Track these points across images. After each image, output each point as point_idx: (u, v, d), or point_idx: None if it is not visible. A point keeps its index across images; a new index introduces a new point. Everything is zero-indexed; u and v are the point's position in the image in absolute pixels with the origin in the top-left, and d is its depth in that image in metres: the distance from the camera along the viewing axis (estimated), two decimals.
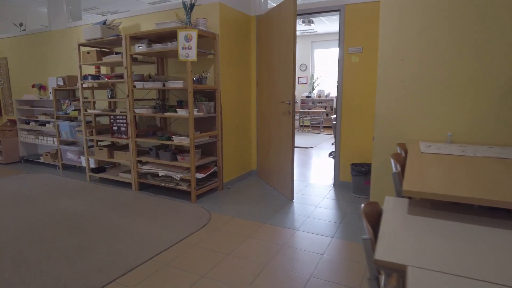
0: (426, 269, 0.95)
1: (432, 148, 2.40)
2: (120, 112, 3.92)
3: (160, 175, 3.66)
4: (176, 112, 3.51)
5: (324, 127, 9.78)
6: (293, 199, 3.53)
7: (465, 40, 2.59)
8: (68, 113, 4.71)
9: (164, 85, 3.53)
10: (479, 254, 1.02)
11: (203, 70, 3.84)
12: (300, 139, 7.77)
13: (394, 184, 1.72)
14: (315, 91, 10.39)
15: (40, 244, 2.53)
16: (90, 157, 4.32)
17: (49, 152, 5.11)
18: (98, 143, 4.49)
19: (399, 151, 2.27)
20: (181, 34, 3.18)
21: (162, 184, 3.64)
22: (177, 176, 3.50)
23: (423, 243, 1.11)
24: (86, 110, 4.27)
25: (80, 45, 4.12)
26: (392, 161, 1.81)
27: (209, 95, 3.78)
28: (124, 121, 3.89)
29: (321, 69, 10.43)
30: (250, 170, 4.52)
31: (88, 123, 4.53)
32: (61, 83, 4.74)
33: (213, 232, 2.73)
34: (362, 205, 1.37)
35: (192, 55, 3.20)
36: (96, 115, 4.49)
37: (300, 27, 8.73)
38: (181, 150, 3.89)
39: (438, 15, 2.64)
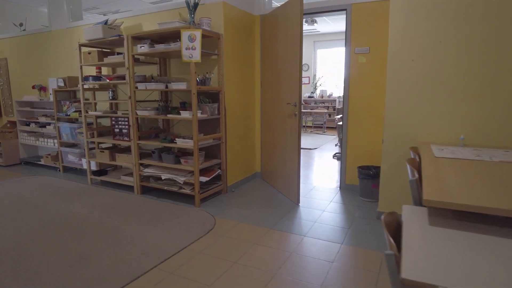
0: None
1: (445, 152, 2.32)
2: (122, 113, 3.85)
3: (163, 178, 3.58)
4: (179, 114, 3.44)
5: (327, 127, 9.69)
6: (299, 203, 3.45)
7: (478, 40, 2.51)
8: (69, 115, 4.64)
9: (167, 87, 3.45)
10: (510, 271, 0.94)
11: (206, 71, 3.76)
12: (303, 140, 7.69)
13: (411, 192, 1.64)
14: (317, 91, 10.31)
15: (41, 251, 2.45)
16: (91, 160, 4.24)
17: (49, 154, 5.03)
18: (100, 145, 4.42)
19: (412, 156, 2.19)
20: (184, 34, 3.10)
21: (165, 188, 3.56)
22: (181, 179, 3.42)
23: (451, 259, 1.04)
24: (87, 112, 4.19)
25: (81, 45, 4.05)
26: (408, 167, 1.73)
27: (213, 97, 3.70)
28: (126, 123, 3.81)
29: (323, 69, 10.35)
30: (254, 172, 4.44)
31: (89, 125, 4.45)
32: (62, 84, 4.66)
33: (219, 238, 2.66)
34: (383, 216, 1.29)
35: (196, 55, 3.13)
36: (97, 117, 4.41)
37: (303, 26, 8.64)
38: (184, 153, 3.82)
39: (450, 14, 2.56)
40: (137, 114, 3.68)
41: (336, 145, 7.08)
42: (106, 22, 3.92)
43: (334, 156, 5.84)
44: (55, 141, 4.88)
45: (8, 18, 6.40)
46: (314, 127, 9.92)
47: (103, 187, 4.07)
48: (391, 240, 1.13)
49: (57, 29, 4.97)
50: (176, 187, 3.51)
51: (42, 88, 5.20)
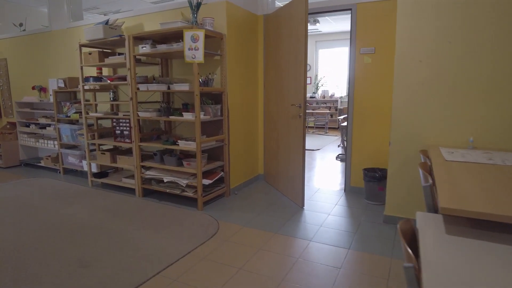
0: None
1: (455, 155, 2.26)
2: (123, 115, 3.79)
3: (165, 181, 3.52)
4: (181, 115, 3.38)
5: (329, 128, 9.63)
6: (303, 206, 3.39)
7: (488, 41, 2.44)
8: (69, 116, 4.58)
9: (169, 88, 3.39)
10: None
11: (209, 71, 3.71)
12: None
13: (425, 198, 1.58)
14: (319, 92, 10.24)
15: (40, 257, 2.39)
16: (92, 162, 4.18)
17: (49, 156, 4.97)
18: (100, 147, 4.36)
19: (422, 159, 2.13)
20: (187, 35, 3.05)
21: (167, 191, 3.50)
22: (183, 182, 3.36)
23: (474, 273, 0.97)
24: (87, 113, 4.13)
25: (81, 45, 3.99)
26: (421, 171, 1.67)
27: (216, 98, 3.64)
28: (127, 124, 3.75)
29: (325, 69, 10.29)
30: (257, 174, 4.38)
31: (89, 126, 4.39)
32: (62, 85, 4.60)
33: (222, 243, 2.60)
34: (398, 225, 1.23)
35: (199, 56, 3.07)
36: (98, 118, 4.34)
37: None
38: (187, 155, 3.76)
39: (460, 14, 2.50)
40: (138, 116, 3.62)
41: (339, 146, 7.02)
42: (107, 22, 3.87)
43: (337, 157, 5.78)
44: (55, 142, 4.82)
45: (8, 18, 6.34)
46: (316, 127, 9.86)
47: (104, 190, 4.01)
48: (410, 251, 1.07)
49: (57, 29, 4.91)
50: (178, 190, 3.46)
51: (42, 89, 5.14)
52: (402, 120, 2.78)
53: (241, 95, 3.87)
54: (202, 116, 3.28)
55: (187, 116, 3.29)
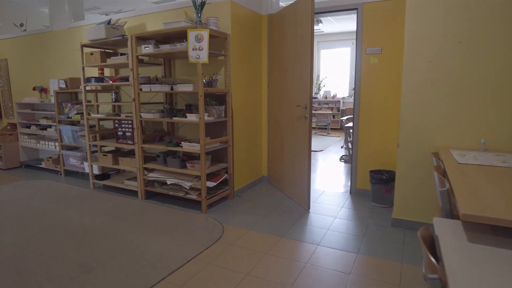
0: None
1: (467, 157, 2.21)
2: (125, 116, 3.73)
3: (168, 183, 3.46)
4: (185, 116, 3.32)
5: (331, 129, 9.58)
6: (309, 209, 3.33)
7: (498, 41, 2.39)
8: (71, 117, 4.52)
9: (172, 88, 3.33)
10: None
11: (213, 72, 3.65)
12: None
13: (441, 203, 1.52)
14: (321, 92, 10.19)
15: (42, 262, 2.34)
16: (94, 163, 4.12)
17: (50, 157, 4.92)
18: (102, 148, 4.30)
19: (435, 163, 2.07)
20: (191, 34, 2.99)
21: (170, 193, 3.45)
22: (187, 184, 3.31)
23: (503, 285, 0.92)
24: (89, 114, 4.08)
25: (83, 46, 3.93)
26: (436, 175, 1.62)
27: (219, 99, 3.58)
28: (130, 125, 3.70)
29: (327, 69, 10.24)
30: (260, 176, 4.32)
31: (91, 127, 4.33)
32: (63, 86, 4.54)
33: (228, 248, 2.54)
34: (418, 232, 1.17)
35: (203, 56, 3.01)
36: (100, 119, 4.28)
37: None
38: (190, 157, 3.70)
39: (470, 13, 2.44)
40: (141, 117, 3.56)
41: (342, 147, 6.96)
42: (109, 22, 3.81)
43: (341, 158, 5.72)
44: (56, 144, 4.77)
45: (8, 19, 6.29)
46: (318, 128, 9.80)
47: (106, 192, 3.95)
48: (434, 261, 1.02)
49: (58, 29, 4.86)
50: (182, 193, 3.40)
51: (43, 90, 5.09)
52: (411, 121, 2.72)
53: (245, 96, 3.81)
54: (206, 118, 3.23)
55: (191, 117, 3.23)
